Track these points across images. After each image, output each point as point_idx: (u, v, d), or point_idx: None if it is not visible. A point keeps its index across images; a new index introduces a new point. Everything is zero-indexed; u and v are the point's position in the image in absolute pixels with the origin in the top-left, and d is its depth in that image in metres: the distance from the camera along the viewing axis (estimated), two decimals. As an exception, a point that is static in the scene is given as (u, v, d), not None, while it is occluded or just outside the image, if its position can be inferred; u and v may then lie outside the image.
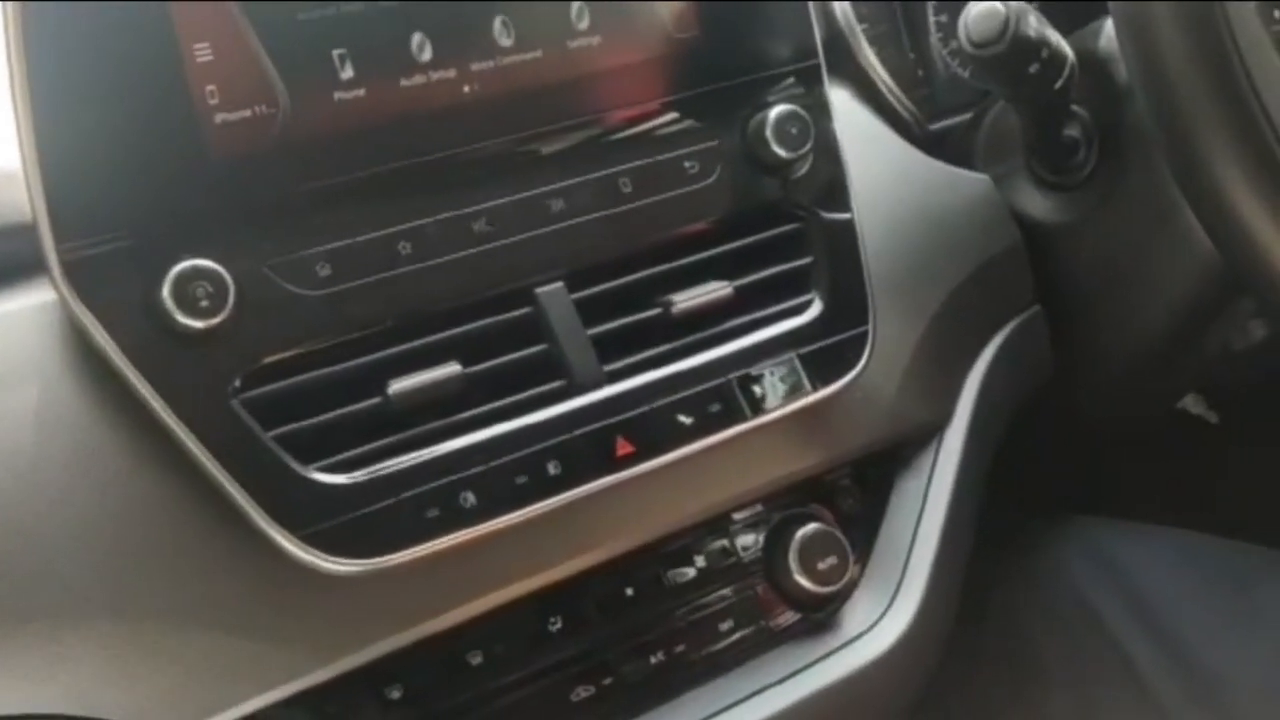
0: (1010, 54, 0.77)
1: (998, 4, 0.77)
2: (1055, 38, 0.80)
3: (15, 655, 0.60)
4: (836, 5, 0.93)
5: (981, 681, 0.88)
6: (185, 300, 0.60)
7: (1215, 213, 0.67)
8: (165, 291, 0.59)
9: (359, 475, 0.63)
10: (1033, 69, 0.79)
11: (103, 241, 0.59)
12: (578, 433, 0.68)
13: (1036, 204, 0.94)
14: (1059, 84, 0.81)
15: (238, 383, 0.62)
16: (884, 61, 0.95)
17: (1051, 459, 1.09)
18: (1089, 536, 1.03)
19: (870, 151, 0.88)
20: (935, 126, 1.00)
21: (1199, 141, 0.65)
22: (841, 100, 0.91)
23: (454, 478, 0.65)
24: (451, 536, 0.64)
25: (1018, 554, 1.02)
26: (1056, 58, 0.80)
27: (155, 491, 0.63)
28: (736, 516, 0.79)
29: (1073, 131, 0.91)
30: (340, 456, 0.64)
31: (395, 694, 0.68)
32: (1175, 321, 0.92)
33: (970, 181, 0.93)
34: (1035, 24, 0.78)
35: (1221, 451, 1.10)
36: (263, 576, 0.63)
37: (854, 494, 0.83)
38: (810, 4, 0.80)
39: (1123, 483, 1.09)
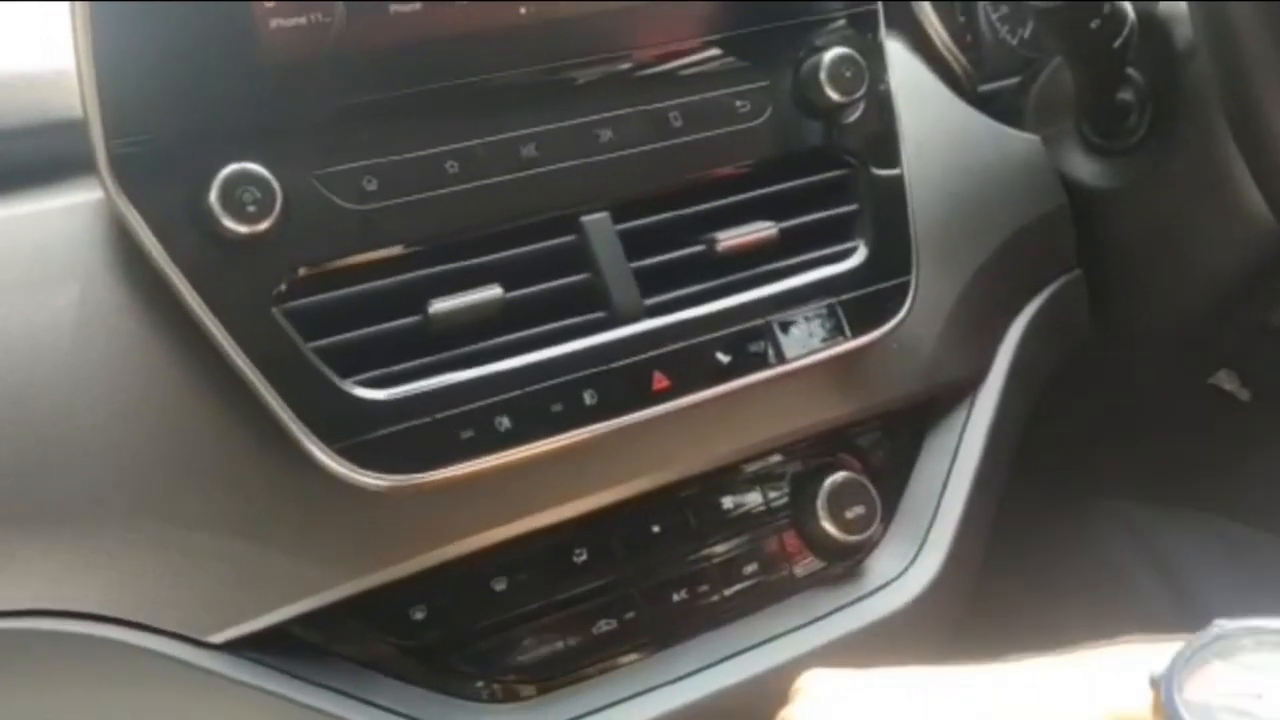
0: (1072, 8, 0.76)
1: None
2: None
3: (45, 551, 0.60)
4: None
5: (1002, 642, 0.88)
6: (232, 204, 0.59)
7: (1275, 171, 0.66)
8: (213, 194, 0.59)
9: (397, 392, 0.63)
10: (1094, 24, 0.78)
11: (152, 139, 0.59)
12: (615, 364, 0.68)
13: (1084, 167, 0.93)
14: (1118, 43, 0.80)
15: (281, 289, 0.61)
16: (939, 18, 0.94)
17: (1087, 439, 1.08)
18: (1125, 518, 1.02)
19: (922, 103, 0.87)
20: (985, 88, 0.98)
21: (1264, 98, 0.64)
22: (896, 51, 0.89)
23: (490, 401, 0.64)
24: (485, 459, 0.64)
25: (1052, 533, 1.01)
26: (1117, 15, 0.78)
27: (191, 394, 0.62)
28: (766, 462, 0.78)
29: (1126, 95, 0.89)
30: (378, 372, 0.63)
31: (419, 615, 0.68)
32: (1218, 292, 0.91)
33: (1019, 141, 0.92)
34: None
35: (1251, 429, 1.09)
36: (296, 487, 0.63)
37: (884, 447, 0.83)
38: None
39: (1152, 458, 1.08)
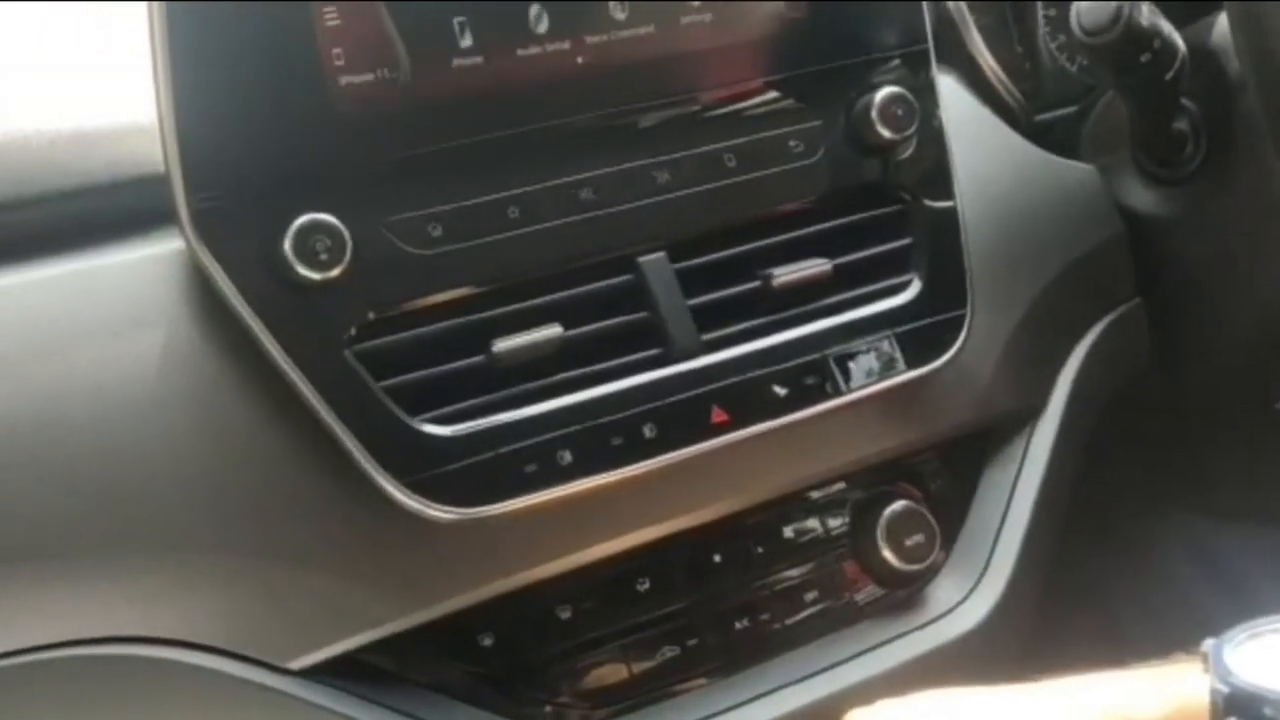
0: (1122, 42, 0.77)
1: None
2: (1167, 28, 0.79)
3: (132, 579, 0.64)
4: (948, -2, 0.94)
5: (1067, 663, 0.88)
6: (305, 252, 0.62)
7: None
8: (287, 244, 0.62)
9: (463, 428, 0.66)
10: (1144, 58, 0.79)
11: (230, 193, 0.62)
12: (674, 399, 0.70)
13: (1142, 197, 0.93)
14: (1170, 75, 0.81)
15: (351, 333, 0.64)
16: (992, 52, 0.95)
17: (1150, 453, 1.08)
18: (1191, 532, 1.02)
19: (975, 138, 0.88)
20: (1042, 118, 0.99)
21: None
22: (949, 87, 0.91)
23: (552, 435, 0.67)
24: (548, 492, 0.66)
25: (1118, 547, 1.01)
26: (1168, 48, 0.79)
27: (269, 434, 0.65)
28: (826, 491, 0.80)
29: (1181, 125, 0.90)
30: (445, 410, 0.66)
31: (487, 641, 0.71)
32: (1277, 321, 0.91)
33: (1075, 172, 0.93)
34: (1147, 14, 0.78)
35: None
36: (368, 520, 0.66)
37: (943, 476, 0.84)
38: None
39: (1220, 480, 1.08)
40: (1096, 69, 0.90)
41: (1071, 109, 1.01)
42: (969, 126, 0.88)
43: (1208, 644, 0.51)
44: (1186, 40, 0.84)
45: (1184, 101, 0.89)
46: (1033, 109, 0.98)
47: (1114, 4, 0.77)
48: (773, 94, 0.76)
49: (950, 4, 0.94)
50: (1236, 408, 1.07)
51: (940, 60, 0.92)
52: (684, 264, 0.73)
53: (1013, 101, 0.95)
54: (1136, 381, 0.95)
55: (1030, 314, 0.86)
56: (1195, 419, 1.06)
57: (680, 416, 0.70)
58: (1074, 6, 0.79)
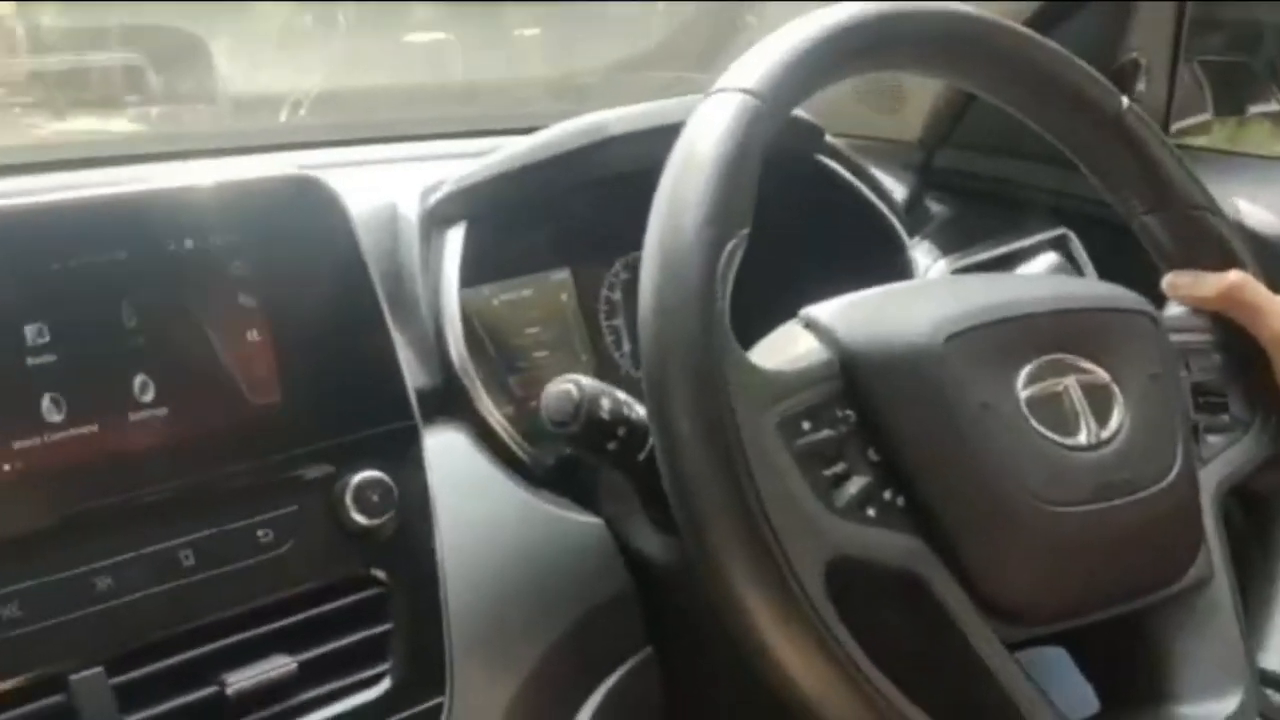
0: (585, 433, 0.79)
1: (571, 387, 0.78)
2: (636, 414, 0.81)
3: None
4: (453, 350, 0.94)
5: None
6: None
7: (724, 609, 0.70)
8: None
9: None
10: (611, 445, 0.80)
11: None
12: (96, 846, 0.65)
13: (652, 545, 0.95)
14: (643, 455, 0.82)
15: None
16: (500, 405, 0.96)
17: None
18: None
19: (477, 499, 0.88)
20: (566, 457, 1.00)
21: (711, 549, 0.69)
22: (455, 446, 0.91)
23: None
24: None
25: None
26: (636, 435, 0.80)
27: None
28: None
29: (675, 483, 0.93)
30: None
31: None
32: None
33: (580, 527, 0.93)
34: (608, 405, 0.79)
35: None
36: None
37: None
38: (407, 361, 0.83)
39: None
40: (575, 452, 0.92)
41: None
42: (470, 490, 0.89)
43: None
44: None
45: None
46: (547, 457, 0.99)
47: (574, 398, 0.78)
48: (240, 484, 0.74)
49: (455, 356, 0.94)
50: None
51: (450, 416, 0.93)
52: (124, 677, 0.68)
53: (523, 455, 0.96)
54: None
55: (530, 683, 0.85)
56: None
57: None
58: (542, 395, 0.81)
